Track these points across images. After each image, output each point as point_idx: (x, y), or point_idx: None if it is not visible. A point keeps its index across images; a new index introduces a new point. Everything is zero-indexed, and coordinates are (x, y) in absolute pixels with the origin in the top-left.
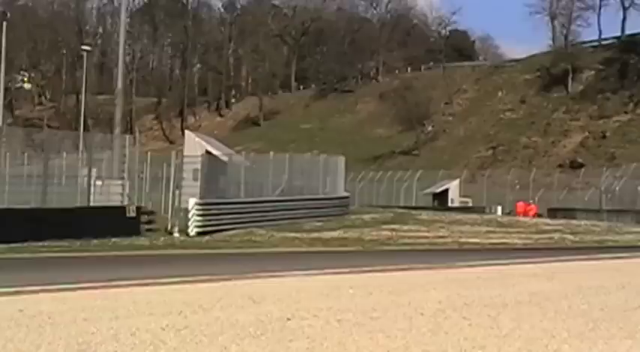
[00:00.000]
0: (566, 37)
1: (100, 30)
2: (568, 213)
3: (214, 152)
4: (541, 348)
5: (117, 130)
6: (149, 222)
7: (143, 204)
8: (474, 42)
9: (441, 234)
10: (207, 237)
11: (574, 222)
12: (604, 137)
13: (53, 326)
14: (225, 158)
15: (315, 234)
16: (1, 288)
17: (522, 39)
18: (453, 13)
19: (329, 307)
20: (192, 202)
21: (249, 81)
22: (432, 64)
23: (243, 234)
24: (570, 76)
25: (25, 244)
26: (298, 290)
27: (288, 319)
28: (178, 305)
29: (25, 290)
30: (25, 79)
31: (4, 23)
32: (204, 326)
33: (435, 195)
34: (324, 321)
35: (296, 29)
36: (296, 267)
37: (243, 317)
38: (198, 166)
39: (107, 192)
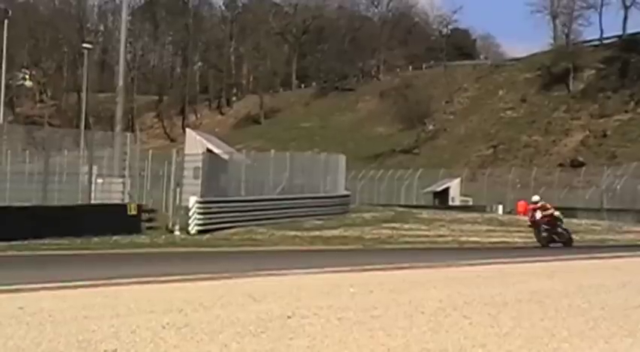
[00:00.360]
0: (567, 36)
1: (102, 28)
2: (569, 212)
3: (215, 150)
4: (541, 347)
5: (118, 128)
6: (150, 220)
7: (144, 202)
8: (474, 40)
9: (441, 232)
10: (207, 235)
11: (575, 221)
12: (605, 136)
13: (54, 323)
14: (226, 156)
15: (316, 233)
16: (1, 286)
17: (523, 38)
18: (454, 12)
19: (329, 305)
20: (192, 200)
21: (250, 79)
22: (432, 62)
23: (244, 232)
24: (571, 74)
25: (26, 242)
26: (299, 288)
27: (289, 317)
28: (179, 303)
29: (25, 288)
30: (26, 77)
31: (6, 20)
32: (204, 324)
33: (436, 194)
34: (324, 319)
35: (297, 27)
36: (296, 265)
37: (244, 315)
38: (199, 164)
39: (108, 189)
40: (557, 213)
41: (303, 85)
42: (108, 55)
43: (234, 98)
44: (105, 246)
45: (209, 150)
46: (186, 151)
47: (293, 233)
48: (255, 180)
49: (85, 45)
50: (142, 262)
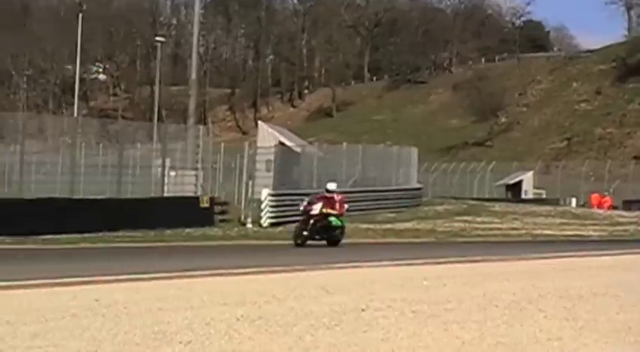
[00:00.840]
0: None
1: (174, 21)
2: None
3: (287, 143)
4: (618, 340)
5: (190, 121)
6: (222, 213)
7: (216, 195)
8: (548, 32)
9: (514, 225)
10: (280, 228)
11: None
12: None
13: (129, 315)
14: (298, 149)
15: (388, 225)
16: (76, 278)
17: (597, 29)
18: (528, 4)
19: (403, 298)
20: (265, 193)
21: (322, 72)
22: (505, 54)
23: None
24: None
25: (100, 234)
26: (372, 281)
27: (363, 310)
28: (252, 295)
29: (99, 280)
30: (100, 70)
31: (80, 14)
32: (278, 316)
33: (509, 187)
34: (398, 312)
35: (369, 20)
36: (369, 258)
37: (317, 308)
38: (272, 157)
39: (181, 182)
40: (333, 219)
41: (375, 78)
42: (180, 49)
43: (306, 91)
44: (178, 238)
45: (281, 143)
46: (259, 144)
47: (365, 226)
48: (327, 173)
49: (158, 38)
50: (215, 254)
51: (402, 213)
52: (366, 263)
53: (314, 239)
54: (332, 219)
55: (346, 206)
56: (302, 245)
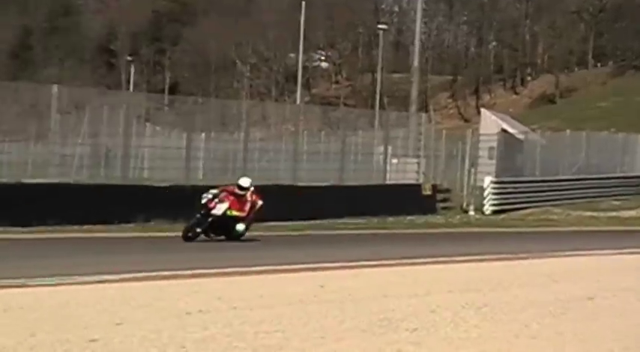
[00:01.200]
0: None
1: (396, 8)
2: None
3: (510, 130)
4: None
5: (412, 108)
6: (444, 200)
7: (438, 183)
8: None
9: None
10: (502, 216)
11: None
12: None
13: (354, 302)
14: (521, 136)
15: (613, 213)
16: (301, 264)
17: None
18: None
19: (630, 287)
20: (487, 180)
21: (545, 58)
22: None
23: (539, 212)
24: None
25: (325, 221)
26: (596, 269)
27: (590, 298)
28: (476, 282)
29: (324, 267)
30: (323, 58)
31: (303, 3)
32: (503, 304)
33: None
34: (625, 301)
35: (593, 5)
36: (593, 246)
37: (542, 296)
38: (494, 144)
39: (403, 170)
40: (241, 227)
41: (599, 64)
42: (402, 36)
43: (528, 77)
44: (400, 225)
45: (504, 130)
46: (481, 131)
47: (589, 213)
48: (550, 161)
49: (380, 26)
50: (437, 242)
51: (627, 201)
52: (591, 251)
53: (209, 236)
54: (239, 228)
55: (260, 203)
56: (191, 240)
